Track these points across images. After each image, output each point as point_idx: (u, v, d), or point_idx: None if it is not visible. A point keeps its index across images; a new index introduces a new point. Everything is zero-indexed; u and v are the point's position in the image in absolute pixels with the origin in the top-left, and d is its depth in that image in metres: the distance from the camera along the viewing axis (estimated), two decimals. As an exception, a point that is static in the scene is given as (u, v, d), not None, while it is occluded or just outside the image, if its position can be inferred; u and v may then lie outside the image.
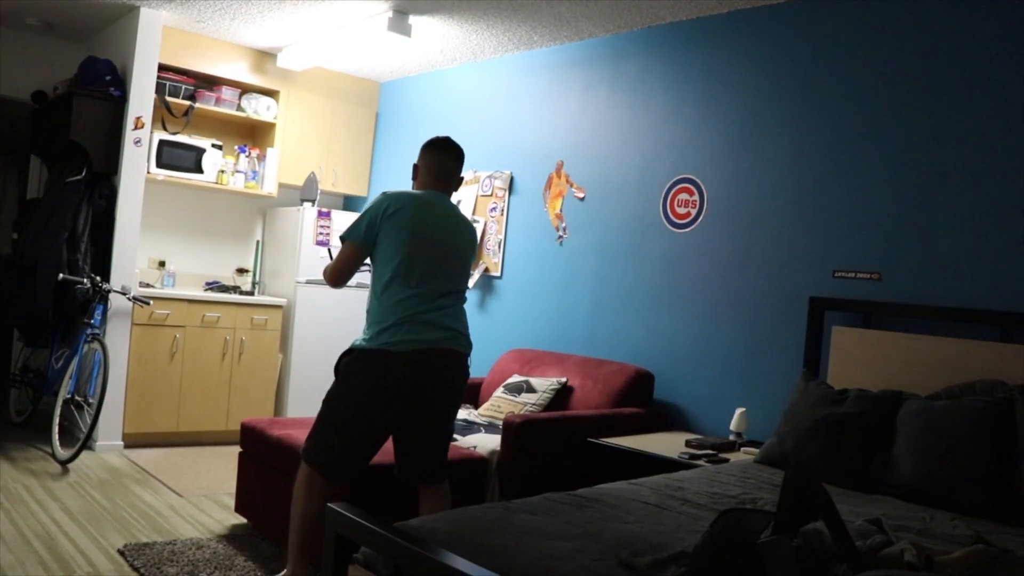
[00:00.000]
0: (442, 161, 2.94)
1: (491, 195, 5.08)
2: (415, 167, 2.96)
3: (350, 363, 2.75)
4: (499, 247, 5.00)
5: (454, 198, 5.38)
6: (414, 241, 2.74)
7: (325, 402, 2.80)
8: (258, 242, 5.95)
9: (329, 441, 2.74)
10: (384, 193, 2.82)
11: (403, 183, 5.80)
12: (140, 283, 5.13)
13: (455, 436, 3.64)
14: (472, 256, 3.00)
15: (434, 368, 2.75)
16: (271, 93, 5.69)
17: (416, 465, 2.88)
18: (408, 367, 2.69)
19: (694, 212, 4.01)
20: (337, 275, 2.87)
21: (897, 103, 3.33)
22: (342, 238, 2.84)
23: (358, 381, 2.72)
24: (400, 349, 2.68)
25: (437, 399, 2.82)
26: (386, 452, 3.19)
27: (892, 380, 3.06)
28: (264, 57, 5.58)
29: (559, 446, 3.49)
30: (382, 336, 2.69)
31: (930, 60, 3.25)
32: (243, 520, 3.67)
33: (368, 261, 2.88)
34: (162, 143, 5.17)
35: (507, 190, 4.99)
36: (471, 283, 5.11)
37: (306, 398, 5.52)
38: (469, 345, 2.89)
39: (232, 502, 3.80)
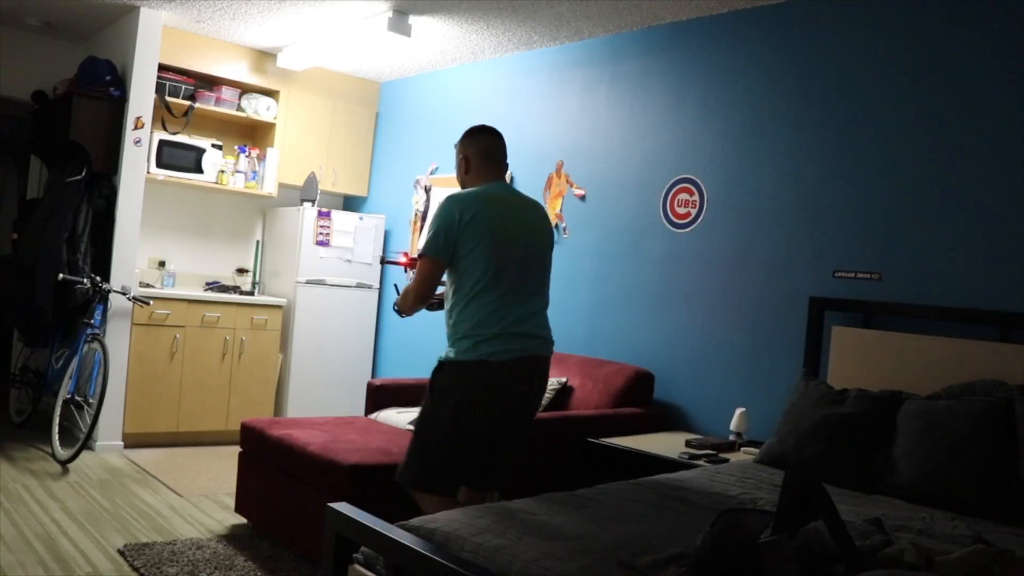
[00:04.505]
0: (495, 143, 2.83)
1: (491, 195, 5.07)
2: (465, 159, 2.81)
3: (447, 376, 2.65)
4: (499, 247, 4.99)
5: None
6: (496, 245, 2.62)
7: (426, 421, 2.68)
8: (258, 242, 5.95)
9: (438, 460, 2.63)
10: (450, 198, 2.66)
11: (404, 183, 5.82)
12: (140, 283, 5.13)
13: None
14: (552, 242, 2.87)
15: (530, 376, 2.70)
16: (271, 93, 5.69)
17: (490, 471, 2.75)
18: (508, 376, 2.62)
19: (694, 212, 4.01)
20: (421, 295, 2.71)
21: (897, 103, 3.33)
22: (420, 254, 2.69)
23: (461, 394, 2.62)
24: (500, 359, 2.60)
25: (527, 406, 2.76)
26: (386, 453, 3.19)
27: (892, 380, 3.06)
28: (264, 57, 5.58)
29: (559, 446, 3.49)
30: (480, 348, 2.60)
31: (930, 60, 3.25)
32: (243, 520, 3.67)
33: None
34: (162, 143, 5.17)
35: (507, 190, 4.98)
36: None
37: (306, 398, 5.52)
38: (552, 349, 2.81)
39: (232, 502, 3.80)
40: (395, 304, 2.87)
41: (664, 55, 4.25)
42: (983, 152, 3.08)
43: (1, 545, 3.13)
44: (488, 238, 2.61)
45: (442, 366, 2.68)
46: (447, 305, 2.74)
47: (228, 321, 5.23)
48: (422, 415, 2.71)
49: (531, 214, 2.81)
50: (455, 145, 2.89)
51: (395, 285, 3.18)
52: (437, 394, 2.67)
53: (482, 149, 2.81)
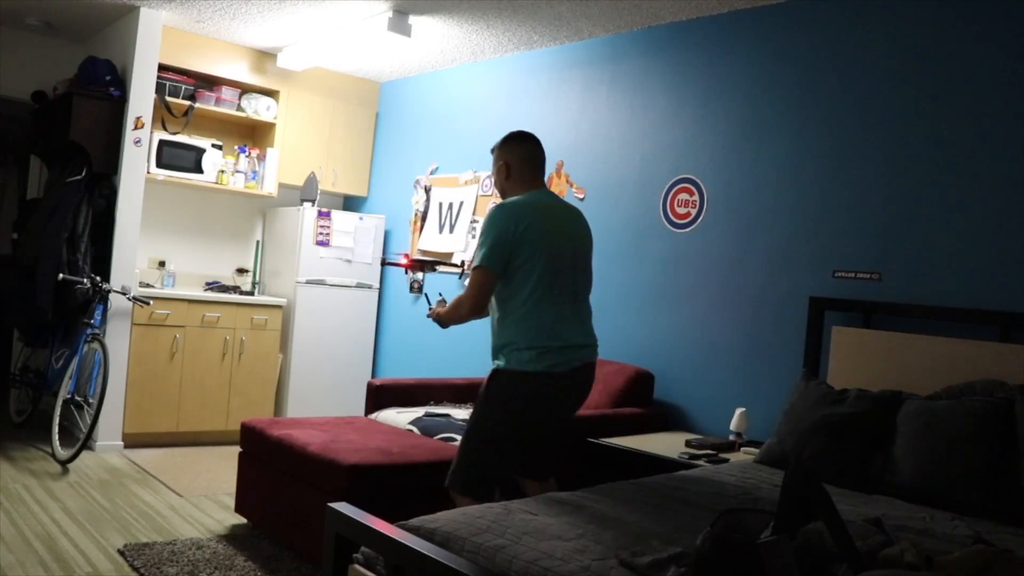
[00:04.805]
0: (536, 150, 2.86)
1: (491, 195, 5.08)
2: (505, 165, 2.82)
3: (508, 386, 2.69)
4: (499, 247, 4.99)
5: (457, 198, 5.40)
6: (550, 256, 2.68)
7: (482, 428, 2.72)
8: (258, 242, 5.95)
9: (488, 467, 2.70)
10: (501, 208, 2.69)
11: (404, 183, 5.82)
12: (140, 283, 5.13)
13: (455, 437, 3.64)
14: (592, 249, 2.92)
15: (584, 383, 2.80)
16: (271, 93, 5.69)
17: (534, 462, 2.87)
18: (568, 385, 2.73)
19: (694, 212, 4.01)
20: (479, 306, 2.72)
21: (897, 103, 3.34)
22: (475, 265, 2.68)
23: (524, 403, 2.68)
24: (562, 370, 2.68)
25: (576, 409, 2.88)
26: (386, 453, 3.19)
27: (892, 380, 3.06)
28: (264, 57, 5.58)
29: (559, 446, 3.49)
30: (544, 359, 2.65)
31: (930, 60, 3.25)
32: (243, 520, 3.67)
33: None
34: (162, 143, 5.17)
35: (507, 190, 4.98)
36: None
37: (306, 398, 5.52)
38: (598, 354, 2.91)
39: (232, 502, 3.80)
40: (433, 314, 2.89)
41: (664, 55, 4.25)
42: (983, 152, 3.08)
43: (1, 545, 3.13)
44: (543, 248, 2.66)
45: (499, 374, 2.71)
46: (496, 314, 2.76)
47: (228, 321, 5.23)
48: (479, 423, 2.73)
49: (575, 221, 2.87)
50: (492, 151, 2.91)
51: (426, 295, 3.17)
52: (494, 403, 2.70)
53: (523, 156, 2.83)
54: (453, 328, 5.22)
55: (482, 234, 2.69)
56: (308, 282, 5.50)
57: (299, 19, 4.80)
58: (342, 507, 1.94)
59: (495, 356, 2.76)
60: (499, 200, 2.86)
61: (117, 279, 4.78)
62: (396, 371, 5.69)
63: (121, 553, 3.14)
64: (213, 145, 5.40)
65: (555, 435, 2.92)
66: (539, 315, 2.66)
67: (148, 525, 3.54)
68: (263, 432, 3.48)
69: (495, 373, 2.73)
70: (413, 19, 4.53)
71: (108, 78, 4.86)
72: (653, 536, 1.97)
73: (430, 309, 2.97)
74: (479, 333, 5.00)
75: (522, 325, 2.67)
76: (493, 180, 2.92)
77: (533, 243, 2.65)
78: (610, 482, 2.61)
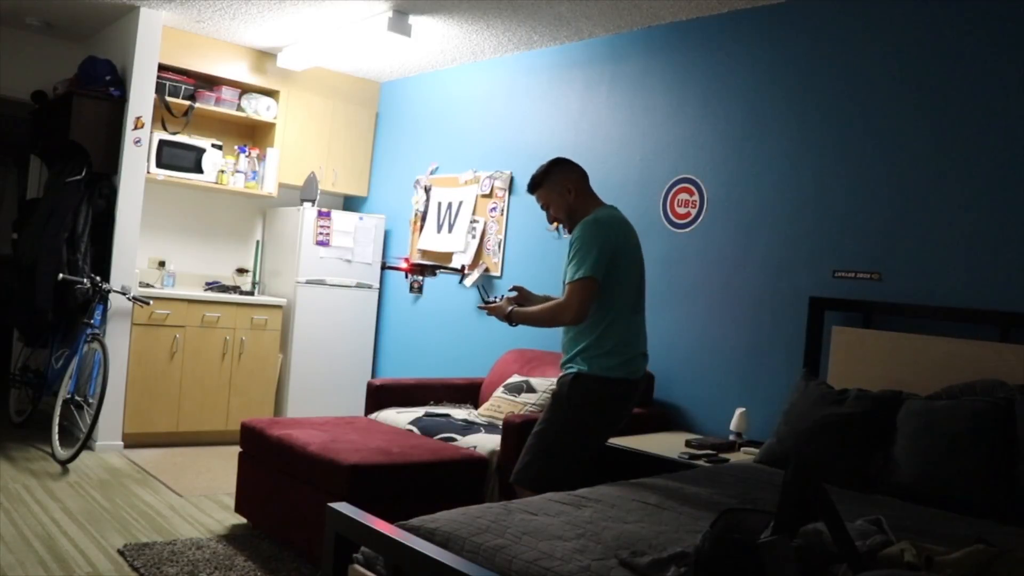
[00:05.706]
0: (585, 173, 3.00)
1: (491, 195, 5.08)
2: (572, 186, 2.92)
3: (591, 391, 2.77)
4: (499, 247, 5.00)
5: (457, 198, 5.40)
6: (634, 268, 2.87)
7: (559, 430, 2.79)
8: (258, 242, 5.95)
9: (558, 466, 2.75)
10: (599, 223, 2.79)
11: (404, 183, 5.82)
12: (140, 283, 5.13)
13: (455, 436, 3.64)
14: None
15: (641, 390, 2.94)
16: (271, 93, 5.68)
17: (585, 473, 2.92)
18: (638, 391, 2.88)
19: (694, 212, 4.01)
20: (582, 316, 2.74)
21: (897, 103, 3.33)
22: (583, 275, 2.69)
23: (607, 407, 2.81)
24: (636, 376, 2.84)
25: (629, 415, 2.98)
26: (386, 453, 3.19)
27: (892, 380, 3.06)
28: (264, 57, 5.58)
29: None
30: (627, 366, 2.80)
31: (930, 60, 3.25)
32: (243, 520, 3.67)
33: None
34: (162, 143, 5.17)
35: (507, 190, 4.99)
36: (469, 283, 5.11)
37: (306, 398, 5.52)
38: None
39: (232, 502, 3.80)
40: (498, 311, 2.92)
41: (664, 55, 4.25)
42: (983, 152, 3.08)
43: (1, 545, 3.13)
44: (632, 260, 2.85)
45: (582, 378, 2.78)
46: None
47: (228, 321, 5.23)
48: (555, 424, 2.80)
49: (636, 234, 2.99)
50: (536, 186, 2.97)
51: (478, 287, 3.27)
52: (576, 406, 2.78)
53: (580, 175, 2.97)
54: (451, 329, 5.25)
55: (581, 248, 2.74)
56: (308, 282, 5.50)
57: (299, 19, 4.80)
58: (342, 507, 1.94)
59: (570, 360, 2.82)
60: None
61: (117, 279, 4.78)
62: (396, 371, 5.69)
63: (121, 553, 3.14)
64: (213, 145, 5.40)
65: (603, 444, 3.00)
66: (626, 323, 2.81)
67: (148, 525, 3.54)
68: (263, 432, 3.48)
69: (577, 377, 2.79)
70: (413, 19, 4.53)
71: (108, 78, 4.86)
72: (653, 536, 1.97)
73: (485, 302, 2.99)
74: (479, 333, 5.00)
75: (610, 330, 2.78)
76: (554, 209, 2.96)
77: (628, 256, 2.82)
78: (610, 482, 2.61)
